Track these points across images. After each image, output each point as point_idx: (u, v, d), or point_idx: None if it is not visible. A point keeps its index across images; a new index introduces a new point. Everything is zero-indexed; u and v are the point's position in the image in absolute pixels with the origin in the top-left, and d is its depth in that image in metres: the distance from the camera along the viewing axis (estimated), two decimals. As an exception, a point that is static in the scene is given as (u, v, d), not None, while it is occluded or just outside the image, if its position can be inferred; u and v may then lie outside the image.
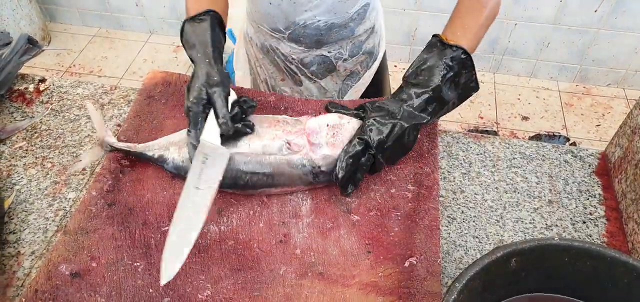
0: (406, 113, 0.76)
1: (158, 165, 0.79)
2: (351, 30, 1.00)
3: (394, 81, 2.29)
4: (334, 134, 0.76)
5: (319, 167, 0.75)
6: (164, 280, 0.62)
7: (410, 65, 0.81)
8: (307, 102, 0.91)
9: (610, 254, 0.53)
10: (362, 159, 0.74)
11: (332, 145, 0.76)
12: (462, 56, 0.77)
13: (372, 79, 1.11)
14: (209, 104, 0.72)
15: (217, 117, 0.71)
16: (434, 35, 0.82)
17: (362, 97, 1.11)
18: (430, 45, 0.81)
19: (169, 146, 0.78)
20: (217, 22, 0.82)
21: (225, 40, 0.84)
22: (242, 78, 1.20)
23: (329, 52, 1.02)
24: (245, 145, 0.75)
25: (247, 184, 0.75)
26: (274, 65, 1.07)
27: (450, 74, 0.77)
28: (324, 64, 1.03)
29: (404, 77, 0.81)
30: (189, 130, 0.71)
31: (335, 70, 1.05)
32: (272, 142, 0.76)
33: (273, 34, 1.01)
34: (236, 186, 0.75)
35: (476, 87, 0.80)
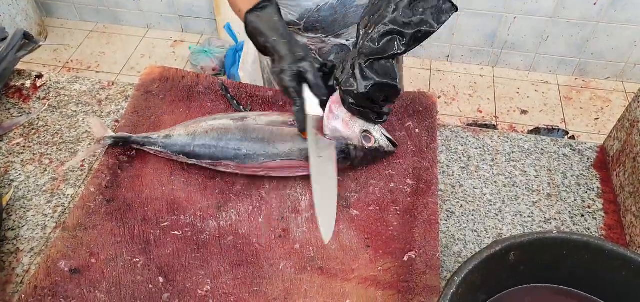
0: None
1: (160, 151, 0.80)
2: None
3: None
4: (352, 116, 0.77)
5: (325, 135, 0.76)
6: (327, 239, 0.67)
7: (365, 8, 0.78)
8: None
9: (608, 247, 0.53)
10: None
11: (346, 123, 0.76)
12: None
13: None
14: (302, 78, 0.75)
15: (312, 88, 0.75)
16: None
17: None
18: None
19: (175, 128, 0.81)
20: (278, 7, 0.83)
21: None
22: (249, 76, 1.19)
23: (347, 41, 1.01)
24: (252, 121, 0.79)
25: (247, 156, 0.77)
26: None
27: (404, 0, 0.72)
28: (342, 52, 1.02)
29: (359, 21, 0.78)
30: (294, 107, 0.75)
31: None
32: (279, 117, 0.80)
33: (288, 28, 0.98)
34: (237, 158, 0.77)
35: (452, 7, 0.73)
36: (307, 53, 0.76)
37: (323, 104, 0.77)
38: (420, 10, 0.72)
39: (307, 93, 0.75)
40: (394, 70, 0.73)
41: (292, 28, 0.99)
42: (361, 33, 0.75)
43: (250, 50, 1.16)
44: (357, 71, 0.72)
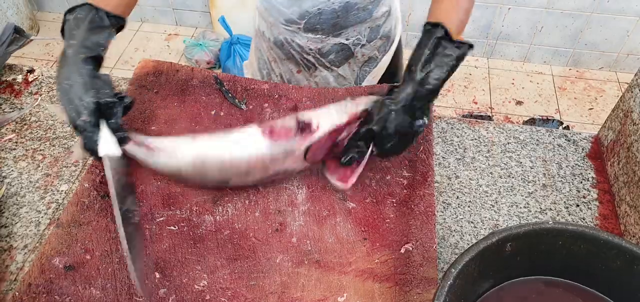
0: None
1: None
2: (369, 12, 0.97)
3: (388, 67, 2.28)
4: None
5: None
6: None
7: (414, 56, 0.74)
8: (300, 89, 0.90)
9: (603, 236, 0.53)
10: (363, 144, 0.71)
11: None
12: (461, 48, 0.72)
13: (391, 62, 1.09)
14: (101, 110, 0.67)
15: (111, 123, 0.68)
16: (439, 26, 0.75)
17: (379, 82, 1.10)
18: (437, 42, 0.73)
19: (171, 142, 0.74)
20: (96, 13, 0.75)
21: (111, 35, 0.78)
22: (250, 74, 1.18)
23: (347, 40, 1.00)
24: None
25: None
26: (289, 58, 1.05)
27: (450, 66, 0.72)
28: (342, 51, 1.01)
29: (409, 66, 0.74)
30: (85, 142, 0.67)
31: (353, 57, 1.04)
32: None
33: (288, 27, 0.98)
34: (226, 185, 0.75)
35: (465, 51, 0.74)
36: (107, 80, 0.68)
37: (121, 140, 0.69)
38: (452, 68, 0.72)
39: (104, 131, 0.67)
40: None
41: (291, 26, 0.98)
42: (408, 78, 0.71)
43: (251, 49, 1.16)
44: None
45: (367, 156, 0.72)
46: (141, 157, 0.72)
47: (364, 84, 1.08)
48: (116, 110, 0.68)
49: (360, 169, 0.72)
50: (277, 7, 0.96)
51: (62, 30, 0.75)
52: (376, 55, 1.06)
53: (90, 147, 0.67)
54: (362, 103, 0.73)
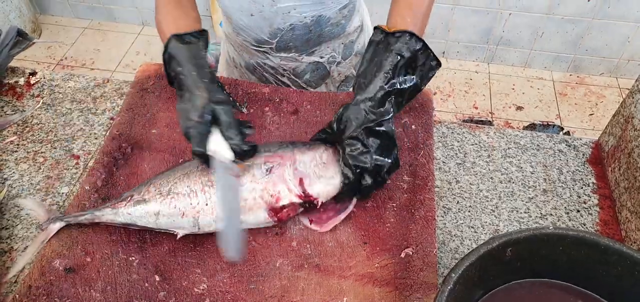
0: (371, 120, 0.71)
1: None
2: (342, 27, 0.96)
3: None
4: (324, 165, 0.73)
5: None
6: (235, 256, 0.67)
7: (359, 65, 0.77)
8: (301, 93, 0.91)
9: (604, 242, 0.53)
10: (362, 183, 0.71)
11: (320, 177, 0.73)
12: (409, 39, 0.73)
13: None
14: (214, 122, 0.69)
15: (225, 136, 0.68)
16: (375, 28, 0.78)
17: None
18: (371, 41, 0.77)
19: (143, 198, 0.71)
20: (206, 43, 0.80)
21: None
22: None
23: (321, 58, 0.98)
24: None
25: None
26: (263, 82, 1.03)
27: (402, 61, 0.73)
28: (317, 70, 1.00)
29: (355, 78, 0.76)
30: (194, 152, 0.68)
31: (329, 77, 1.02)
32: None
33: (259, 48, 0.96)
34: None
35: (437, 64, 0.76)
36: (228, 100, 0.71)
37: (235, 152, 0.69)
38: (413, 69, 0.74)
39: (217, 139, 0.69)
40: (394, 147, 0.73)
41: (263, 47, 0.96)
42: (357, 97, 0.73)
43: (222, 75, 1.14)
44: (366, 143, 0.70)
45: (351, 206, 0.73)
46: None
47: None
48: (231, 120, 0.69)
49: (341, 217, 0.73)
50: (245, 29, 0.94)
51: (167, 71, 0.78)
52: (352, 74, 1.05)
53: (199, 146, 0.67)
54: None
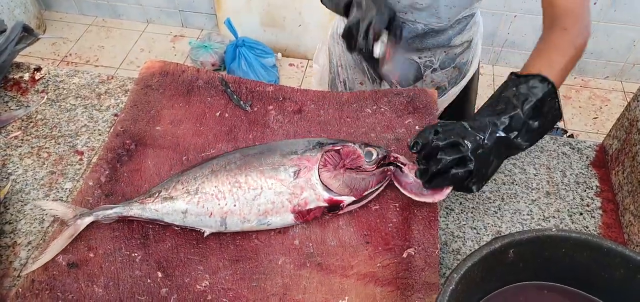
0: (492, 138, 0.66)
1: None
2: (448, 38, 0.94)
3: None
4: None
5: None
6: None
7: (487, 101, 0.73)
8: (305, 92, 0.91)
9: (607, 245, 0.53)
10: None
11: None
12: (540, 83, 0.68)
13: (460, 95, 1.04)
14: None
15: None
16: (511, 73, 0.74)
17: (441, 116, 1.05)
18: (506, 82, 0.73)
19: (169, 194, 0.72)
20: None
21: None
22: (319, 72, 1.16)
23: (419, 58, 0.96)
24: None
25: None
26: (357, 66, 1.02)
27: (531, 101, 0.67)
28: (410, 70, 0.97)
29: (479, 110, 0.72)
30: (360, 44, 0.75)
31: (420, 80, 0.99)
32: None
33: None
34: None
35: (559, 115, 0.70)
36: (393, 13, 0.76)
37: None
38: (539, 114, 0.68)
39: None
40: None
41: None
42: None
43: (323, 46, 1.14)
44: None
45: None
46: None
47: None
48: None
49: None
50: None
51: None
52: (445, 86, 1.02)
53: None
54: (376, 149, 0.74)
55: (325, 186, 0.71)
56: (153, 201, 0.71)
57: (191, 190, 0.71)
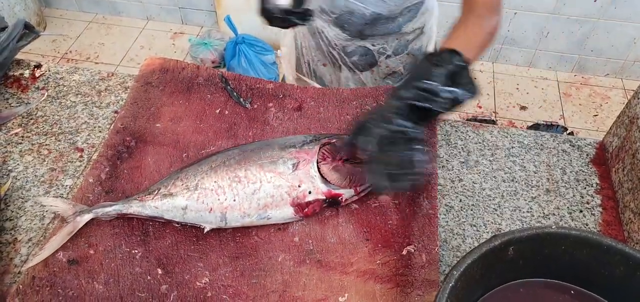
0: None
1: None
2: (398, 25, 0.97)
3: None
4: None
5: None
6: None
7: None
8: (305, 90, 0.91)
9: (607, 242, 0.53)
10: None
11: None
12: (451, 53, 0.70)
13: None
14: None
15: None
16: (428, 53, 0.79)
17: None
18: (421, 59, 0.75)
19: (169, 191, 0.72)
20: None
21: None
22: (287, 53, 1.19)
23: (372, 46, 0.99)
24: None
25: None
26: (318, 49, 1.05)
27: (443, 69, 0.69)
28: (365, 55, 1.01)
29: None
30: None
31: (376, 65, 1.03)
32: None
33: (321, 15, 0.98)
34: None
35: (473, 90, 0.71)
36: None
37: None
38: (456, 84, 0.69)
39: None
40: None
41: (324, 16, 0.98)
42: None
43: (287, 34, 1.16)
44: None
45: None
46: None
47: None
48: None
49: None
50: None
51: None
52: (400, 71, 1.05)
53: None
54: None
55: (324, 178, 0.71)
56: (152, 198, 0.71)
57: (191, 186, 0.71)
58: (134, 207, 0.71)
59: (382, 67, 1.03)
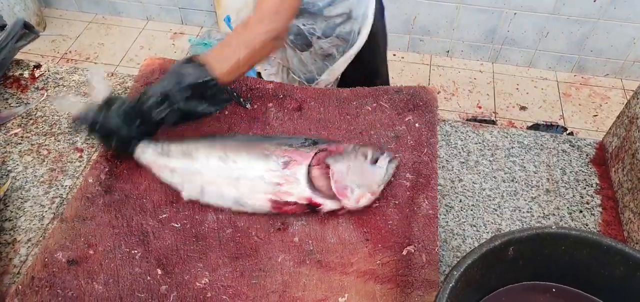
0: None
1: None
2: (319, 9, 0.99)
3: (393, 71, 2.28)
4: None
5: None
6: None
7: None
8: (305, 90, 0.91)
9: (606, 242, 0.53)
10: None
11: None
12: (197, 69, 0.75)
13: (356, 65, 1.09)
14: None
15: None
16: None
17: (342, 82, 1.12)
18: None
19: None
20: None
21: None
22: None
23: (303, 26, 1.01)
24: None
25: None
26: (274, 58, 1.08)
27: (183, 83, 0.74)
28: (300, 35, 1.02)
29: None
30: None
31: (312, 47, 1.05)
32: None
33: None
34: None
35: (225, 98, 0.81)
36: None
37: None
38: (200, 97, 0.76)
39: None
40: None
41: None
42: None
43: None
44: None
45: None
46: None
47: (322, 77, 1.10)
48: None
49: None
50: None
51: None
52: (334, 54, 1.07)
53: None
54: (371, 150, 0.76)
55: (312, 184, 0.71)
56: (162, 145, 0.76)
57: (186, 152, 0.75)
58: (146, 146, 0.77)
59: (316, 48, 1.05)
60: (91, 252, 0.69)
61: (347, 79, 1.11)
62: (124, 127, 0.74)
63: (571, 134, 2.17)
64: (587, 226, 0.78)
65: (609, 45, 2.34)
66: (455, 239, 0.75)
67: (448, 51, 2.54)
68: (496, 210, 0.79)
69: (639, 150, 0.76)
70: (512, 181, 0.83)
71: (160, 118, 0.75)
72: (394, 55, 2.55)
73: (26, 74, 0.99)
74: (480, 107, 2.34)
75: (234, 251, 0.70)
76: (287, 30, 0.84)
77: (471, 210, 0.79)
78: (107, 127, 0.74)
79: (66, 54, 2.61)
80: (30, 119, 0.91)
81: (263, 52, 0.80)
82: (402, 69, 2.49)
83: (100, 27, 2.76)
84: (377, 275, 0.67)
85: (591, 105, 2.35)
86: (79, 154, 0.86)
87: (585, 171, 0.85)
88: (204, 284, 0.67)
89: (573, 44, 2.38)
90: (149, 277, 0.67)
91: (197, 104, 0.76)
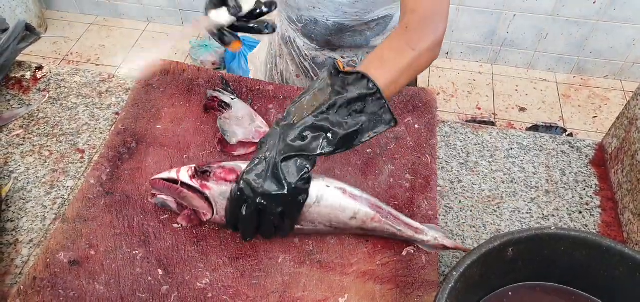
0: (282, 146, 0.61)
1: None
2: (366, 39, 0.96)
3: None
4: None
5: None
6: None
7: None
8: (305, 91, 0.91)
9: (606, 243, 0.53)
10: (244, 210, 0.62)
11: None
12: (362, 79, 0.63)
13: None
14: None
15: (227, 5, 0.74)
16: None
17: None
18: (324, 72, 0.67)
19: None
20: None
21: None
22: (257, 64, 1.19)
23: (342, 58, 0.98)
24: None
25: None
26: (291, 58, 1.05)
27: (344, 99, 0.62)
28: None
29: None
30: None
31: None
32: None
33: (290, 25, 0.99)
34: None
35: (392, 121, 0.64)
36: None
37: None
38: (359, 113, 0.62)
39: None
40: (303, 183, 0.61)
41: (292, 26, 0.99)
42: (286, 119, 0.63)
43: (263, 47, 1.16)
44: (270, 170, 0.60)
45: None
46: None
47: None
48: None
49: None
50: (283, 2, 0.96)
51: None
52: None
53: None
54: None
55: (201, 175, 0.69)
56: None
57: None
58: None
59: None
60: (93, 252, 0.69)
61: None
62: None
63: (571, 135, 2.17)
64: (586, 227, 0.78)
65: (609, 47, 2.35)
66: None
67: (447, 53, 2.55)
68: (495, 211, 0.79)
69: (638, 151, 0.76)
70: (512, 182, 0.83)
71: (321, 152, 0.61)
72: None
73: (28, 75, 1.00)
74: (479, 109, 2.34)
75: (235, 251, 0.70)
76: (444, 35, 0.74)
77: (470, 211, 0.79)
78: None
79: (68, 55, 2.61)
80: (32, 121, 0.92)
81: (427, 59, 0.71)
82: (402, 71, 2.49)
83: (102, 29, 2.77)
84: (377, 275, 0.67)
85: (591, 107, 2.36)
86: (80, 155, 0.86)
87: (585, 172, 0.85)
88: (205, 284, 0.67)
89: (572, 46, 2.38)
90: (150, 278, 0.67)
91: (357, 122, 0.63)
